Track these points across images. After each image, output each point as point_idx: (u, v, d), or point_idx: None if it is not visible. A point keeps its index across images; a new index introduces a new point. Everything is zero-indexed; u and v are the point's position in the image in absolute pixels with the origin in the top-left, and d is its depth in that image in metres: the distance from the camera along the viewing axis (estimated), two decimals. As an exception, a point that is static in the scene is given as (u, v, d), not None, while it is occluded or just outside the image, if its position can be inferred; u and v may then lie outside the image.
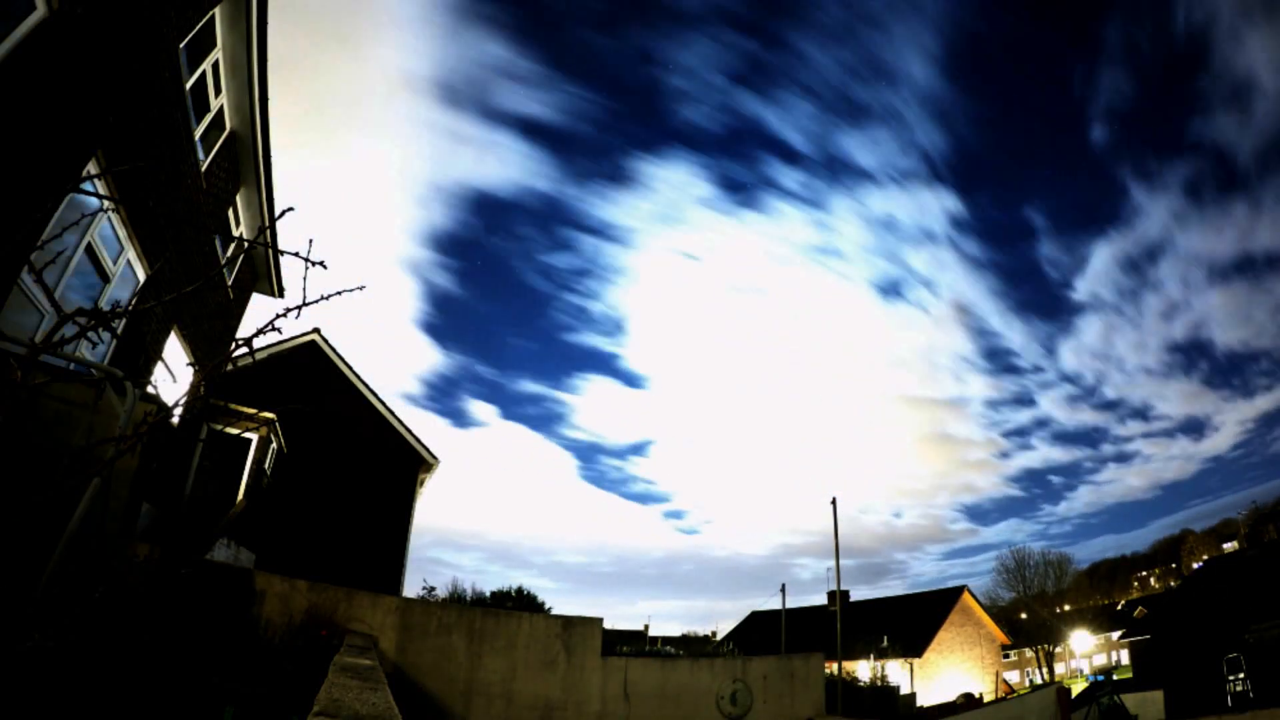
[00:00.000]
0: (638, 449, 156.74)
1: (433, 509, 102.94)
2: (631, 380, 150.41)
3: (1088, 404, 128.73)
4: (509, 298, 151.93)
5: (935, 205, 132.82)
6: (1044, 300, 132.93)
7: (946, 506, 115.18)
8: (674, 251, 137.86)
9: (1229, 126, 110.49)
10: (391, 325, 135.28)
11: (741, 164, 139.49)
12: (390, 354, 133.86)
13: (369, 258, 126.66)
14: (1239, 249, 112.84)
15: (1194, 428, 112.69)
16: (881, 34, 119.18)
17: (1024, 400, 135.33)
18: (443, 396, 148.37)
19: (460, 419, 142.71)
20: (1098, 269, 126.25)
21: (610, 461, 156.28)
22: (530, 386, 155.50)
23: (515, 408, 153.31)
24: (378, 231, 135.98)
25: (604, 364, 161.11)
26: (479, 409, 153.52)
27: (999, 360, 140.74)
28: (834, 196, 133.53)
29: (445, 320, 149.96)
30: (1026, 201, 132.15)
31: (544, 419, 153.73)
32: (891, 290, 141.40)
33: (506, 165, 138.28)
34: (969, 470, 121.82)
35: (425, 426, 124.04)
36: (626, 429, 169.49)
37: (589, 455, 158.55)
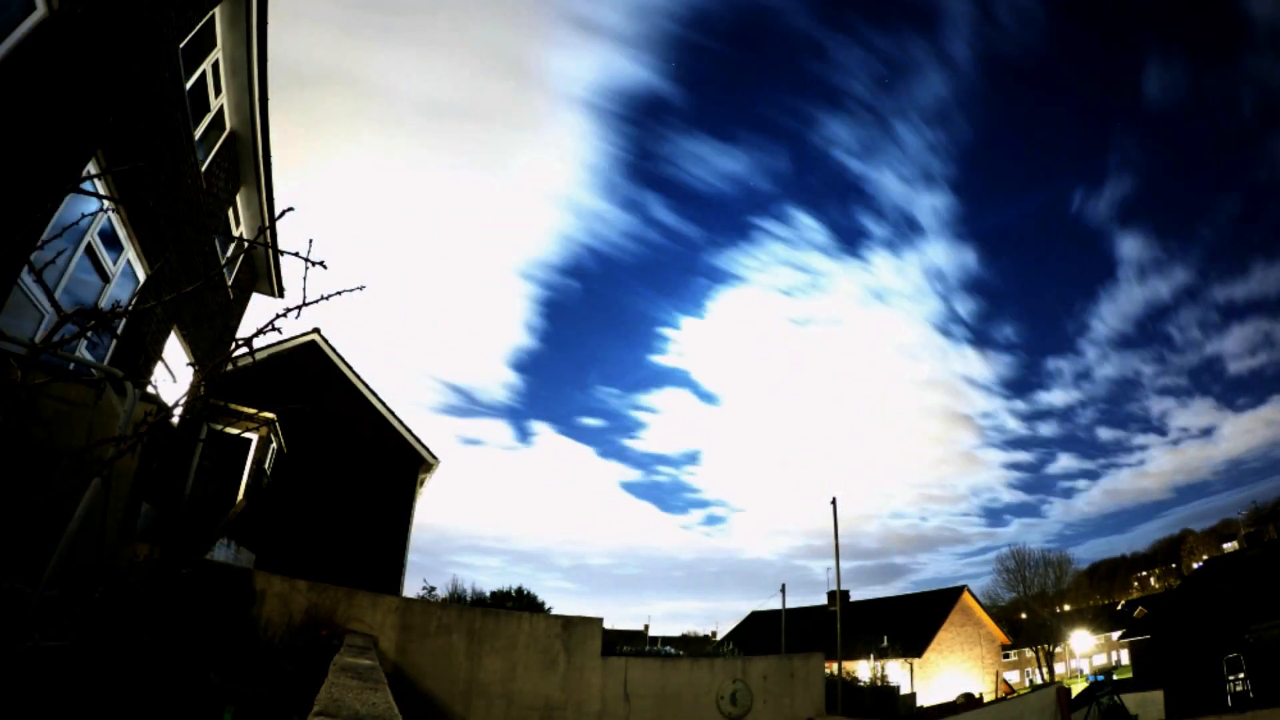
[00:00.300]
0: (691, 458, 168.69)
1: (467, 516, 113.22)
2: (707, 398, 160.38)
3: (1105, 417, 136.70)
4: (605, 328, 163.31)
5: (971, 257, 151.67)
6: (1067, 331, 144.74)
7: (969, 511, 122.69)
8: (772, 289, 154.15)
9: (1244, 196, 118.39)
10: (484, 351, 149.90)
11: (844, 219, 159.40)
12: (474, 374, 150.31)
13: (490, 289, 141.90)
14: (1253, 293, 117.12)
15: (1207, 433, 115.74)
16: (968, 119, 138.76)
17: (1045, 415, 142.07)
18: (512, 414, 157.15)
19: (524, 435, 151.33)
20: (1120, 309, 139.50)
21: (664, 469, 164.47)
22: (604, 402, 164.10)
23: (573, 423, 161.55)
24: (503, 265, 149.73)
25: (680, 382, 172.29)
26: (539, 426, 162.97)
27: (1025, 382, 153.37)
28: (903, 248, 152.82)
29: (536, 344, 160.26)
30: (1055, 251, 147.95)
31: (601, 432, 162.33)
32: (935, 325, 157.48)
33: (641, 223, 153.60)
34: (992, 478, 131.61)
35: (492, 437, 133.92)
36: (682, 441, 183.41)
37: (646, 465, 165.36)
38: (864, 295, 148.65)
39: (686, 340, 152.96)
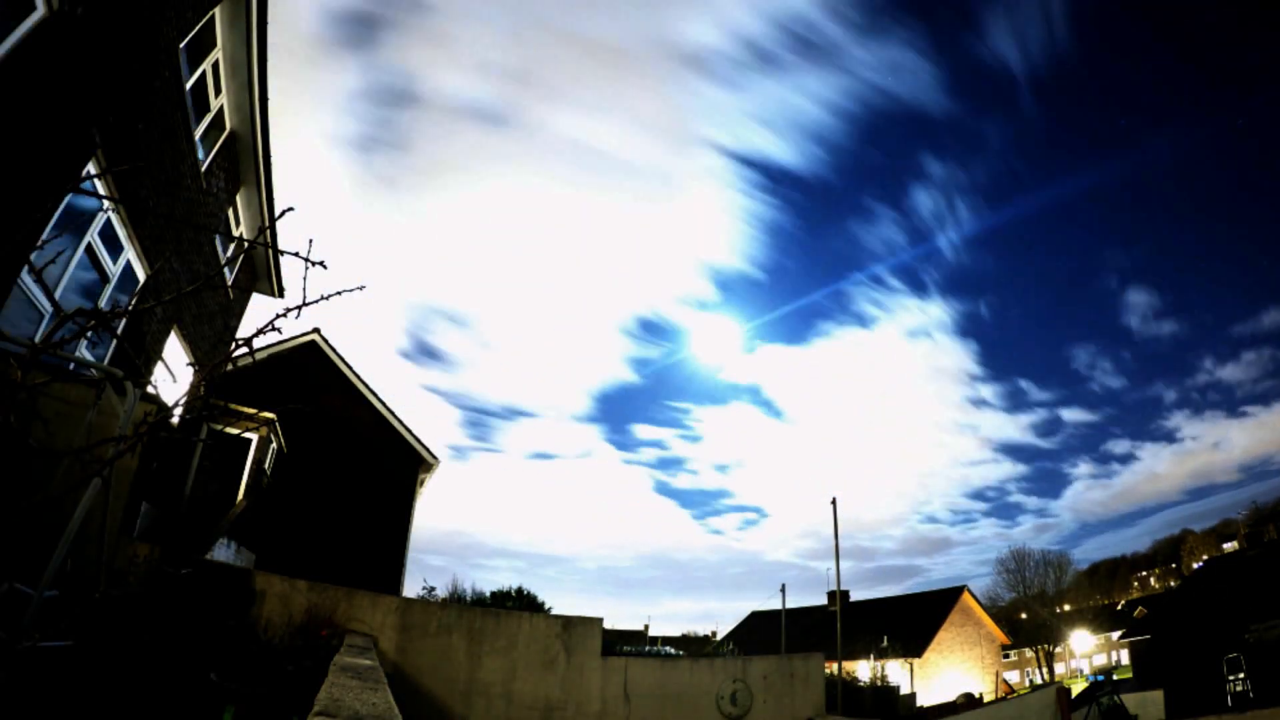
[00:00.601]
0: (739, 464, 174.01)
1: (508, 524, 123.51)
2: (772, 411, 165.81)
3: (1119, 426, 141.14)
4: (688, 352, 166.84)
5: (999, 298, 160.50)
6: (1084, 354, 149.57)
7: (985, 513, 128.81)
8: (849, 321, 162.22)
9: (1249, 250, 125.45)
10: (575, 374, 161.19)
11: (912, 270, 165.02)
12: (550, 399, 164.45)
13: (596, 320, 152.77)
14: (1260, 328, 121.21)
15: (1215, 439, 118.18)
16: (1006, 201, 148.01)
17: (1061, 425, 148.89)
18: (581, 424, 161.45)
19: (585, 447, 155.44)
20: (1135, 331, 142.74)
21: (711, 477, 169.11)
22: (668, 415, 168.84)
23: (630, 433, 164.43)
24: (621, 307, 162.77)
25: (747, 396, 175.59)
26: (598, 437, 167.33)
27: (1044, 398, 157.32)
28: (950, 291, 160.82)
29: (628, 373, 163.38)
30: (1076, 290, 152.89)
31: (657, 442, 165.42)
32: (969, 353, 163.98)
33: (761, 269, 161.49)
34: (1011, 485, 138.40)
35: (561, 449, 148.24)
36: (733, 451, 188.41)
37: (693, 473, 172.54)
38: (913, 327, 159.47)
39: (762, 360, 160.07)
